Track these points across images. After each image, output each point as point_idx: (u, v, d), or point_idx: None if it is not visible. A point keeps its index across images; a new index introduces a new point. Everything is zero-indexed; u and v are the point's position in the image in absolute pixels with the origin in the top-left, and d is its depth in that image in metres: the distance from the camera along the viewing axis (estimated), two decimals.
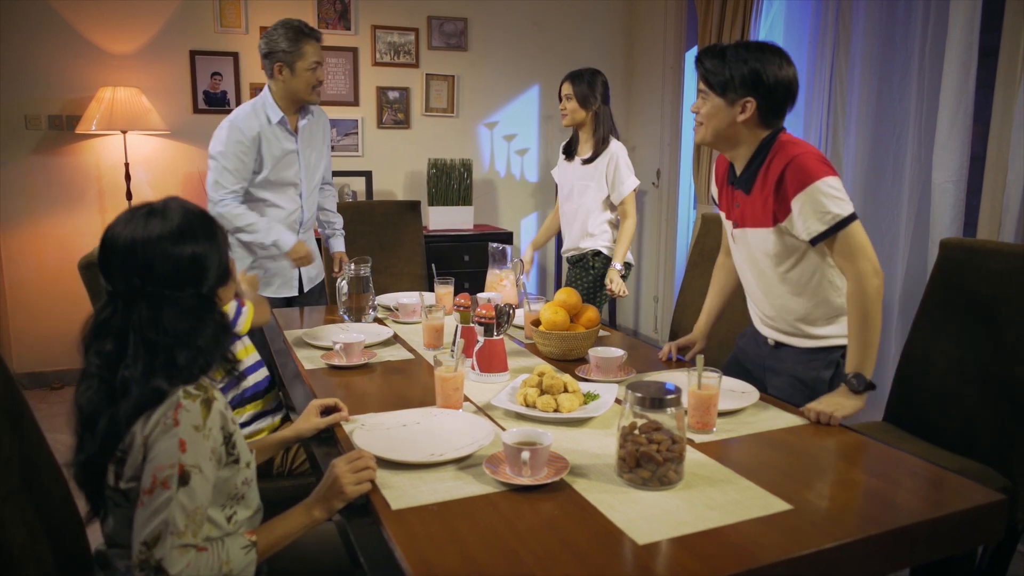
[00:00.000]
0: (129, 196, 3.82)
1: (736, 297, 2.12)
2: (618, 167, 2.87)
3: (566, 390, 1.59)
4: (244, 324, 1.95)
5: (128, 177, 3.81)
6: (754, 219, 1.78)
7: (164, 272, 1.14)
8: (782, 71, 1.68)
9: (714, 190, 1.99)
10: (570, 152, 3.03)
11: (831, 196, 1.63)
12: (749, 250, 1.84)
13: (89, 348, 1.16)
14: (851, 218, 1.64)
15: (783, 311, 1.84)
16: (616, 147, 2.90)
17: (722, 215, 1.94)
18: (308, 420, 1.53)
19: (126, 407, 1.11)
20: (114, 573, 1.20)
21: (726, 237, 2.02)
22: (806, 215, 1.65)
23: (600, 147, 2.89)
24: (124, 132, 3.76)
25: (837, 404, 1.60)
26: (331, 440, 1.51)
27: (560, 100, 2.93)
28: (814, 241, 1.67)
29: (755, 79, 1.67)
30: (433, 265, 2.86)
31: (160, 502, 1.06)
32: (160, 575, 1.04)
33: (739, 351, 2.06)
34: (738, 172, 1.82)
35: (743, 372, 1.97)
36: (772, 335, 1.91)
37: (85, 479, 1.17)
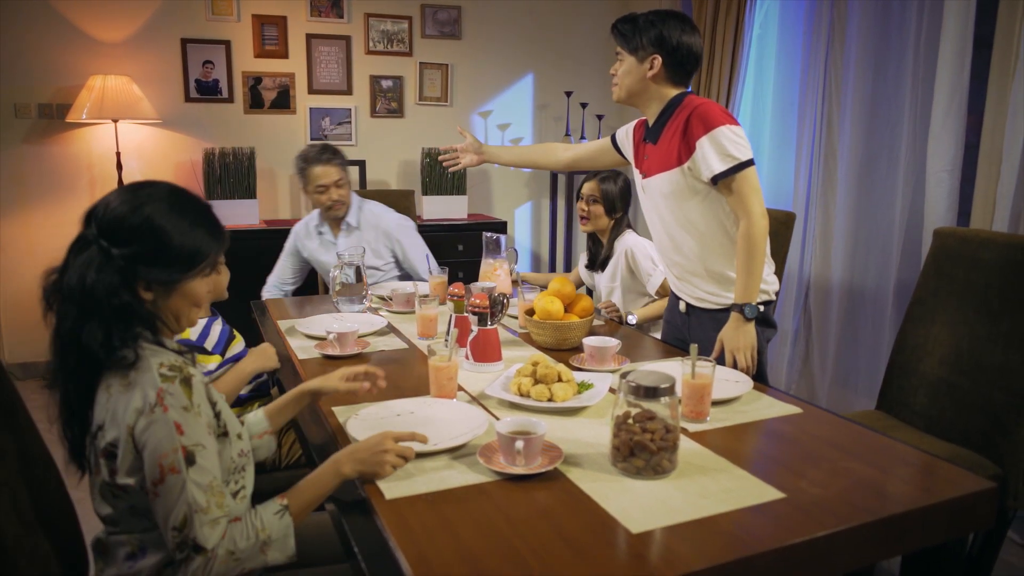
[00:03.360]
0: (120, 185, 3.79)
1: (533, 159, 2.47)
2: (637, 262, 2.59)
3: (560, 379, 1.58)
4: (212, 341, 1.95)
5: (120, 166, 3.79)
6: (660, 164, 1.95)
7: (107, 220, 1.13)
8: (684, 35, 1.90)
9: (629, 154, 2.16)
10: (592, 263, 2.80)
11: (732, 140, 1.82)
12: (655, 198, 2.01)
13: None
14: (749, 162, 1.83)
15: (688, 253, 1.98)
16: (628, 241, 2.64)
17: (636, 172, 2.12)
18: (329, 380, 1.49)
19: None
20: (112, 561, 1.20)
21: (591, 148, 2.32)
22: (708, 156, 1.83)
23: (610, 251, 2.68)
24: (115, 121, 3.73)
25: (741, 349, 1.80)
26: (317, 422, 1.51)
27: (580, 199, 2.68)
28: (715, 180, 1.84)
29: (660, 39, 1.89)
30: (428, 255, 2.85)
31: (176, 488, 1.07)
32: (199, 552, 1.06)
33: (666, 324, 2.24)
34: (650, 126, 2.00)
35: (679, 343, 2.10)
36: (684, 291, 2.06)
37: (64, 425, 1.17)
